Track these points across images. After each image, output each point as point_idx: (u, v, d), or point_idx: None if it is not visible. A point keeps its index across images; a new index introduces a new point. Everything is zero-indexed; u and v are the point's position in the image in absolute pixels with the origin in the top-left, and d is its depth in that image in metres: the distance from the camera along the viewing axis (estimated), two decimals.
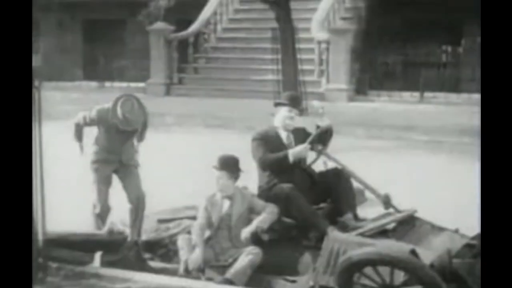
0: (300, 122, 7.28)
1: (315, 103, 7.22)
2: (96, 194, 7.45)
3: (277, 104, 7.23)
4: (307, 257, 6.44)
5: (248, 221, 6.77)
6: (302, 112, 7.32)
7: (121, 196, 7.14)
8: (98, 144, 7.53)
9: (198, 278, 6.49)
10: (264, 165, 6.97)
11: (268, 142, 7.00)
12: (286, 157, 6.87)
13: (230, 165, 6.77)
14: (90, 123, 7.48)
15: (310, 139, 6.95)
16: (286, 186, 6.75)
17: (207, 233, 6.78)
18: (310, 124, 7.23)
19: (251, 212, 6.81)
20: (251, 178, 7.06)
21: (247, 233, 6.56)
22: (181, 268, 6.59)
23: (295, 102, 7.19)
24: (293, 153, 6.88)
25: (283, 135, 7.10)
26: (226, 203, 6.80)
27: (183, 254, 6.65)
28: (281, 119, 7.11)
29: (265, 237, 6.71)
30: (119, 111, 7.25)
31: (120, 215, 7.25)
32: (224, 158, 6.82)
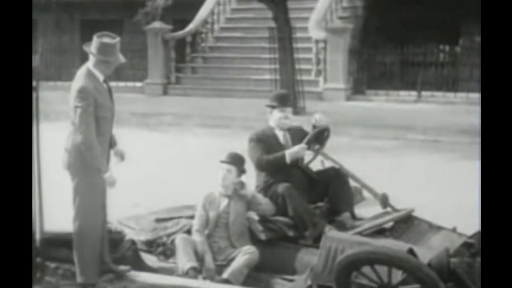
0: (297, 121, 7.28)
1: (317, 116, 7.16)
2: None
3: (268, 106, 7.21)
4: (304, 256, 6.45)
5: (245, 221, 6.81)
6: (296, 109, 7.33)
7: (119, 194, 7.10)
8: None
9: (195, 276, 6.48)
10: (261, 166, 6.98)
11: (265, 143, 7.01)
12: (283, 157, 6.88)
13: (239, 162, 6.82)
14: (89, 120, 6.16)
15: (307, 139, 6.95)
16: (283, 185, 6.76)
17: (206, 232, 6.79)
18: (307, 123, 7.23)
19: (251, 204, 6.82)
20: (250, 177, 7.08)
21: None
22: (179, 269, 6.59)
23: (284, 100, 7.17)
24: (290, 153, 6.89)
25: (280, 134, 7.10)
26: (224, 202, 6.81)
27: (179, 254, 6.64)
28: (276, 120, 7.11)
29: (263, 236, 6.71)
30: (95, 41, 6.30)
31: (117, 215, 7.23)
32: (235, 154, 6.89)
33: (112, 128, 6.53)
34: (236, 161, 6.83)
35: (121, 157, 6.59)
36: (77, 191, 6.38)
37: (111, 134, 6.54)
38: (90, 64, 6.37)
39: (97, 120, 6.26)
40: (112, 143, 6.54)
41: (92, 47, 6.33)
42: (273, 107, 7.13)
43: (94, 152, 6.22)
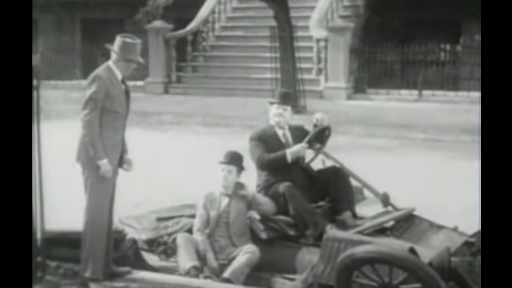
0: (298, 120, 7.28)
1: (319, 116, 7.15)
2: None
3: (271, 103, 7.23)
4: (305, 255, 6.44)
5: (246, 220, 6.81)
6: (295, 108, 7.33)
7: (120, 193, 7.10)
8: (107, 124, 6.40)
9: (196, 275, 6.49)
10: (262, 165, 6.97)
11: (266, 142, 7.01)
12: (284, 156, 6.87)
13: (239, 160, 6.83)
14: (95, 107, 6.29)
15: (308, 138, 6.95)
16: (284, 184, 6.75)
17: (207, 231, 6.80)
18: (308, 122, 7.22)
19: (252, 205, 6.82)
20: (251, 176, 7.07)
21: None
22: (181, 268, 6.60)
23: (284, 99, 7.19)
24: (291, 152, 6.88)
25: (280, 133, 7.10)
26: (225, 201, 6.82)
27: (181, 253, 6.65)
28: (271, 116, 7.13)
29: (264, 235, 6.71)
30: (118, 40, 6.57)
31: (119, 214, 7.22)
32: (233, 153, 6.88)
33: (125, 127, 6.59)
34: (236, 160, 6.83)
35: (129, 165, 6.67)
36: (87, 183, 6.43)
37: (123, 136, 6.60)
38: (110, 61, 6.57)
39: (107, 112, 6.39)
40: (123, 151, 6.61)
41: (115, 46, 6.56)
42: (271, 103, 7.16)
43: (92, 139, 6.31)
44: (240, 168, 6.86)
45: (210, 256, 6.61)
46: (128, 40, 6.58)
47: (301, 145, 6.92)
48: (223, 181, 6.82)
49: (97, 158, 6.30)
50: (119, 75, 6.53)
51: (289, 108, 7.16)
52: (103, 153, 6.32)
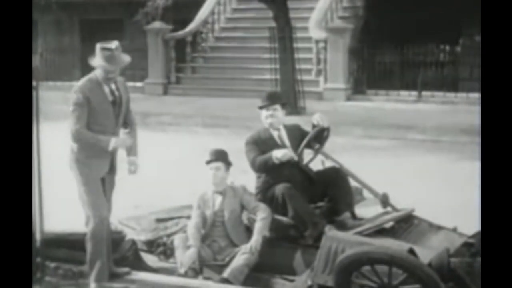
0: (298, 121, 7.26)
1: (318, 117, 7.11)
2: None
3: (260, 108, 7.19)
4: (305, 256, 6.44)
5: (241, 217, 6.81)
6: (296, 109, 7.30)
7: (119, 194, 7.11)
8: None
9: (194, 277, 6.50)
10: (255, 168, 6.96)
11: (261, 145, 6.96)
12: (270, 158, 6.83)
13: (225, 157, 6.87)
14: (81, 112, 6.27)
15: (307, 138, 6.93)
16: (283, 185, 6.73)
17: (202, 232, 6.79)
18: (308, 123, 7.21)
19: (243, 208, 6.84)
20: (252, 178, 7.08)
21: (256, 243, 6.56)
22: (179, 268, 6.60)
23: (271, 99, 7.14)
24: (275, 156, 6.80)
25: (275, 134, 7.07)
26: (218, 199, 6.83)
27: (179, 254, 6.66)
28: (263, 119, 7.10)
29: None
30: (98, 51, 6.48)
31: (118, 215, 7.23)
32: (218, 150, 6.93)
33: (113, 119, 6.53)
34: (222, 156, 6.86)
35: (133, 168, 6.72)
36: (81, 192, 6.42)
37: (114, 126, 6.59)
38: (96, 70, 6.53)
39: (92, 125, 6.35)
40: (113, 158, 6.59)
41: (96, 59, 6.49)
42: (260, 108, 7.13)
43: (88, 141, 6.32)
44: (228, 164, 6.88)
45: (191, 250, 6.56)
46: (106, 50, 6.44)
47: (285, 150, 6.85)
48: (213, 178, 6.84)
49: (106, 146, 6.33)
50: (106, 88, 6.45)
51: (278, 107, 7.12)
52: (105, 136, 6.33)
